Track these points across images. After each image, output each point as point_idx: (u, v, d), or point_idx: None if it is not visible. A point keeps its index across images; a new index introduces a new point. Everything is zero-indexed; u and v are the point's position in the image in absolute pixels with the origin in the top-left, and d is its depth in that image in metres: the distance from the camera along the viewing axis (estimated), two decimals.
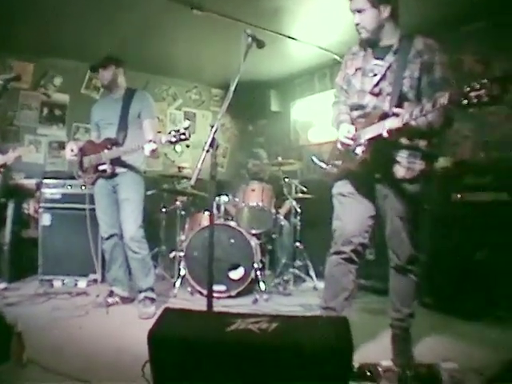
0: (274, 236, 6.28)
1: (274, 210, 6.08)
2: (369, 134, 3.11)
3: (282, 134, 8.74)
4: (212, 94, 9.39)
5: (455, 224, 4.77)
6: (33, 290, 5.43)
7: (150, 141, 4.18)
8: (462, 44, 5.61)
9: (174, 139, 3.91)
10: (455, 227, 4.77)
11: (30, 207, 6.55)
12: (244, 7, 5.66)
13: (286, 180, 6.35)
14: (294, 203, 6.28)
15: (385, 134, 2.93)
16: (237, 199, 6.19)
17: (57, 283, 5.86)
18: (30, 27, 6.21)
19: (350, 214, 3.37)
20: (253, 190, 6.08)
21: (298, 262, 6.23)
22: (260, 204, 5.96)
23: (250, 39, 3.35)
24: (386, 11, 3.15)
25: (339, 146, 3.39)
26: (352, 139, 3.24)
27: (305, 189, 6.50)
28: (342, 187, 3.44)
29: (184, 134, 3.87)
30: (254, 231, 5.95)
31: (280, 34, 6.40)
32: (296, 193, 6.39)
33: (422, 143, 3.18)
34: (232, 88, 3.19)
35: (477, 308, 4.42)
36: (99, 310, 4.63)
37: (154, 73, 8.35)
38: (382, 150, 3.13)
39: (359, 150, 3.20)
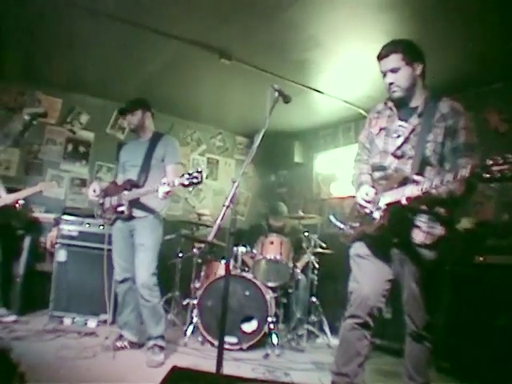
0: (289, 290, 6.18)
1: (291, 264, 6.00)
2: (388, 199, 3.06)
3: (304, 185, 8.72)
4: (236, 141, 9.46)
5: (477, 286, 4.66)
6: (42, 325, 5.38)
7: (164, 183, 4.14)
8: (487, 102, 5.60)
9: (186, 182, 3.90)
10: (476, 290, 4.65)
11: (46, 241, 6.53)
12: (271, 58, 5.76)
13: (306, 234, 6.32)
14: (312, 258, 6.21)
15: (404, 202, 2.90)
16: (255, 251, 6.14)
17: (67, 320, 5.79)
18: (60, 63, 6.38)
19: (367, 276, 3.28)
20: (271, 243, 6.04)
21: (313, 318, 6.13)
22: (278, 257, 5.90)
23: (276, 94, 3.36)
24: (418, 69, 3.18)
25: (358, 207, 3.35)
26: (370, 202, 3.20)
27: (324, 244, 6.43)
28: (360, 248, 3.37)
29: (197, 177, 3.86)
30: (270, 284, 5.86)
31: (306, 87, 6.47)
32: (315, 247, 6.33)
33: (443, 209, 3.11)
34: (256, 144, 3.17)
35: (496, 376, 4.22)
36: (107, 353, 4.53)
37: (180, 116, 8.45)
38: (401, 214, 3.08)
39: (377, 215, 3.13)
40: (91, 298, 5.81)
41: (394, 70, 3.15)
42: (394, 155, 3.23)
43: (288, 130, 8.38)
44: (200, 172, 3.87)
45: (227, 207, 2.91)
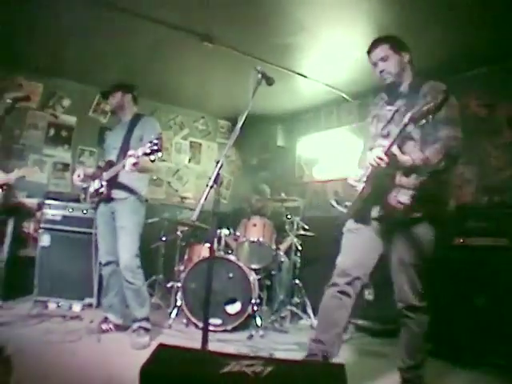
0: (273, 272, 6.24)
1: (274, 246, 6.04)
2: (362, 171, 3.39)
3: (286, 169, 8.71)
4: (219, 125, 9.47)
5: (456, 268, 4.71)
6: (26, 310, 5.37)
7: (130, 155, 4.17)
8: (467, 87, 5.63)
9: (148, 150, 3.97)
10: (456, 271, 4.70)
11: (29, 226, 6.52)
12: (254, 42, 5.72)
13: (289, 217, 6.34)
14: (295, 240, 6.25)
15: (373, 163, 3.14)
16: (238, 233, 6.17)
17: (51, 305, 5.80)
18: (41, 47, 6.29)
19: (351, 248, 3.46)
20: (254, 225, 6.07)
21: (296, 299, 6.16)
22: (261, 239, 5.94)
23: (259, 76, 3.38)
24: (406, 57, 3.44)
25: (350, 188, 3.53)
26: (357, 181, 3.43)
27: (306, 226, 6.46)
28: (350, 224, 3.54)
29: (156, 144, 3.94)
30: (253, 266, 5.92)
31: (289, 71, 6.45)
32: (297, 230, 6.35)
33: (424, 183, 3.19)
34: (239, 125, 3.19)
35: (475, 355, 4.34)
36: (92, 336, 4.54)
37: (162, 101, 8.44)
38: (382, 187, 3.26)
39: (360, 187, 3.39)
40: (75, 282, 5.82)
41: (383, 59, 3.38)
42: (382, 135, 3.39)
43: (271, 114, 8.37)
44: (159, 139, 3.98)
45: (211, 187, 2.95)
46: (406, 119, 2.91)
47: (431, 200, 3.22)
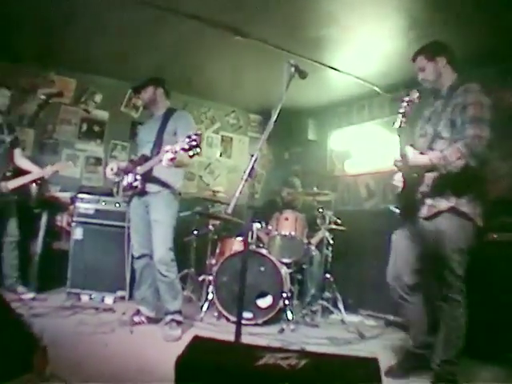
0: (304, 266, 6.22)
1: (305, 240, 6.03)
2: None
3: (317, 163, 8.63)
4: (250, 119, 9.44)
5: (488, 264, 4.63)
6: (60, 302, 5.44)
7: (167, 151, 4.15)
8: (501, 80, 5.54)
9: (187, 146, 3.95)
10: (488, 267, 4.62)
11: (63, 220, 6.60)
12: (286, 35, 5.68)
13: (321, 210, 6.32)
14: (327, 234, 6.21)
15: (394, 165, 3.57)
16: (269, 227, 6.17)
17: (84, 297, 5.88)
18: (72, 43, 6.34)
19: (395, 254, 3.79)
20: (286, 219, 6.06)
21: (327, 294, 6.12)
22: (292, 233, 5.93)
23: (292, 69, 3.39)
24: (442, 61, 3.63)
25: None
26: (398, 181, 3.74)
27: (339, 220, 6.42)
28: (397, 230, 3.82)
29: (195, 140, 3.94)
30: (284, 260, 5.89)
31: (321, 64, 6.40)
32: (329, 224, 6.30)
33: (449, 179, 3.32)
34: (274, 118, 3.19)
35: (501, 351, 4.25)
36: (124, 328, 4.59)
37: (194, 95, 8.43)
38: (413, 185, 3.53)
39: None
40: (108, 274, 5.89)
41: (421, 69, 3.70)
42: (420, 135, 3.74)
43: (302, 107, 8.32)
44: (198, 135, 3.97)
45: (246, 181, 2.94)
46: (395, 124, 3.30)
47: (457, 194, 3.34)
